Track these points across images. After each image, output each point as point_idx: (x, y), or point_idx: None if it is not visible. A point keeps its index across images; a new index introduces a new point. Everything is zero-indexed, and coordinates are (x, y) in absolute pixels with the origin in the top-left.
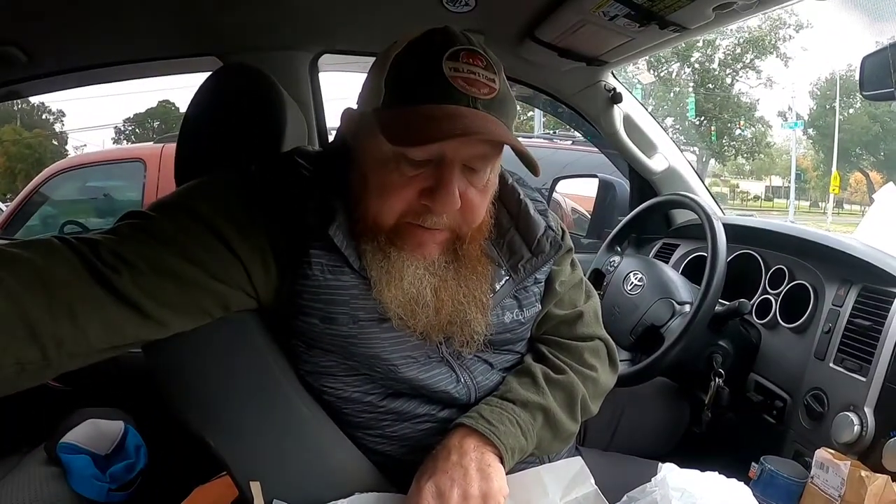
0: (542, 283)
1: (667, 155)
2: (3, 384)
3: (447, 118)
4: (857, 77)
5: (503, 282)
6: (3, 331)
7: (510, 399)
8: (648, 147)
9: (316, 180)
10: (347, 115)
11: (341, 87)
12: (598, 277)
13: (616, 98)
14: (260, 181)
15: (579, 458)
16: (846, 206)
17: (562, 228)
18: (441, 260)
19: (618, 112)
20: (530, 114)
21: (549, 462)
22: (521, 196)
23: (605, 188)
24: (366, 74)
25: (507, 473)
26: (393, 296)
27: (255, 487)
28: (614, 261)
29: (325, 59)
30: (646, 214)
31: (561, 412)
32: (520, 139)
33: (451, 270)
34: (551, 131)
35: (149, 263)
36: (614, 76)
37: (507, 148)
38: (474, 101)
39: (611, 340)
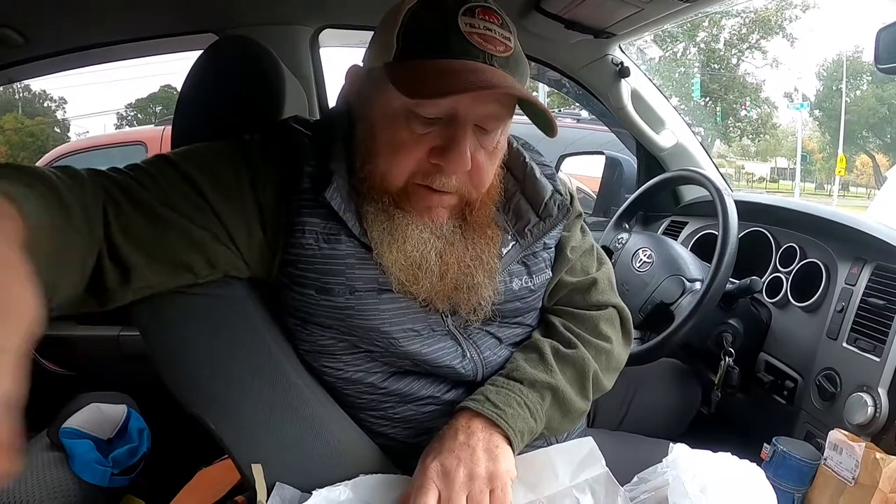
0: (552, 249)
1: (675, 131)
2: None
3: (465, 72)
4: (863, 58)
5: (510, 247)
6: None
7: (517, 378)
8: (657, 123)
9: (314, 146)
10: (353, 72)
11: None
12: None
13: (624, 72)
14: (255, 148)
15: (590, 438)
16: (852, 189)
17: (570, 193)
18: (449, 224)
19: (625, 86)
20: (534, 93)
21: (560, 443)
22: (527, 159)
23: (612, 165)
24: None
25: (516, 455)
26: (394, 259)
27: (258, 470)
28: (623, 238)
29: (327, 34)
30: (654, 191)
31: (570, 390)
32: (524, 117)
33: (459, 233)
34: (556, 109)
35: (130, 200)
36: (622, 50)
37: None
38: (490, 58)
39: (626, 308)
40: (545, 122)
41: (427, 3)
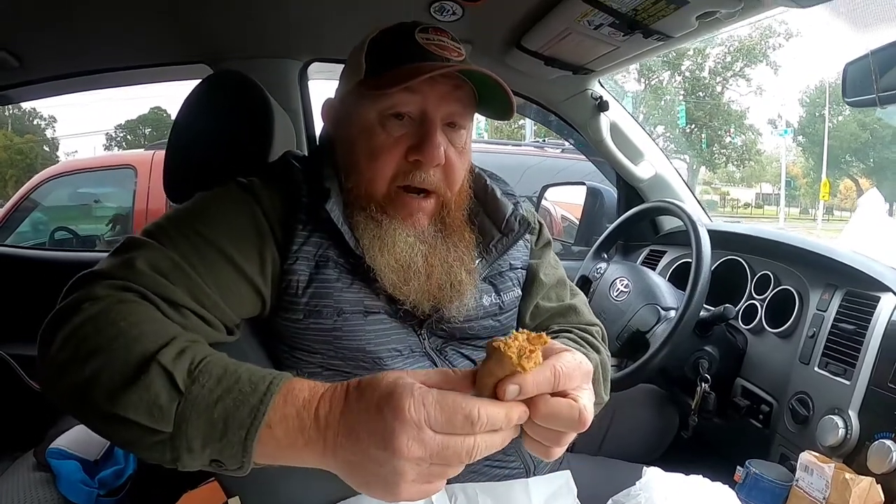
0: (519, 270)
1: (654, 162)
2: None
3: (429, 67)
4: None
5: (475, 264)
6: None
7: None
8: (635, 154)
9: (308, 179)
10: (328, 104)
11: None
12: (584, 284)
13: (602, 106)
14: (263, 190)
15: (567, 472)
16: (836, 213)
17: (539, 222)
18: (430, 229)
19: (604, 120)
20: (521, 122)
21: (539, 475)
22: (488, 182)
23: (593, 195)
24: None
25: (499, 480)
26: (386, 261)
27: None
28: (601, 267)
29: (315, 67)
30: (632, 221)
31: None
32: (509, 147)
33: (440, 237)
34: (541, 139)
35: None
36: (601, 84)
37: (492, 157)
38: (448, 61)
39: (603, 327)
40: (503, 104)
41: (386, 30)
